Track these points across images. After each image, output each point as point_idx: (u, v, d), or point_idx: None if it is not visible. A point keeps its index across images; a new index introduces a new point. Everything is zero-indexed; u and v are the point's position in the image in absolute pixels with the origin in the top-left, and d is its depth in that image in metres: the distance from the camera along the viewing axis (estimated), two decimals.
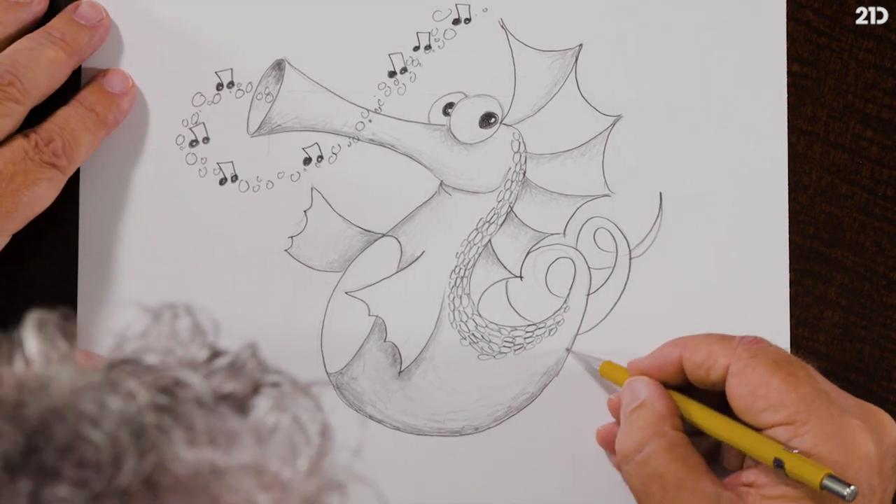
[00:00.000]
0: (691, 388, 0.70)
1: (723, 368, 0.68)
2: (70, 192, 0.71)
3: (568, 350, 0.74)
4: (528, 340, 0.74)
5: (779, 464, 0.64)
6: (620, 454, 0.69)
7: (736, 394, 0.67)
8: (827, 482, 0.62)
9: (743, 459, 0.69)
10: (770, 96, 0.75)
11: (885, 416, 0.68)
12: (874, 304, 0.76)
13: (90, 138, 0.70)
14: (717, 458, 0.72)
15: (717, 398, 0.69)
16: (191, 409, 0.43)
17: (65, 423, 0.41)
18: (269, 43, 0.73)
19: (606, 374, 0.72)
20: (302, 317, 0.73)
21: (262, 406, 0.45)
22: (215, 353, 0.46)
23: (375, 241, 0.74)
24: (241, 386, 0.45)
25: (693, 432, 0.70)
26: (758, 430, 0.66)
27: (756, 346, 0.68)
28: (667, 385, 0.70)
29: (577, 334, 0.74)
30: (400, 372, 0.74)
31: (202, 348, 0.46)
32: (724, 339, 0.69)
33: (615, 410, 0.72)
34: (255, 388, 0.45)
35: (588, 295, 0.75)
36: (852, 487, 0.62)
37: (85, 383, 0.43)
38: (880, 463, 0.65)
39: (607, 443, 0.73)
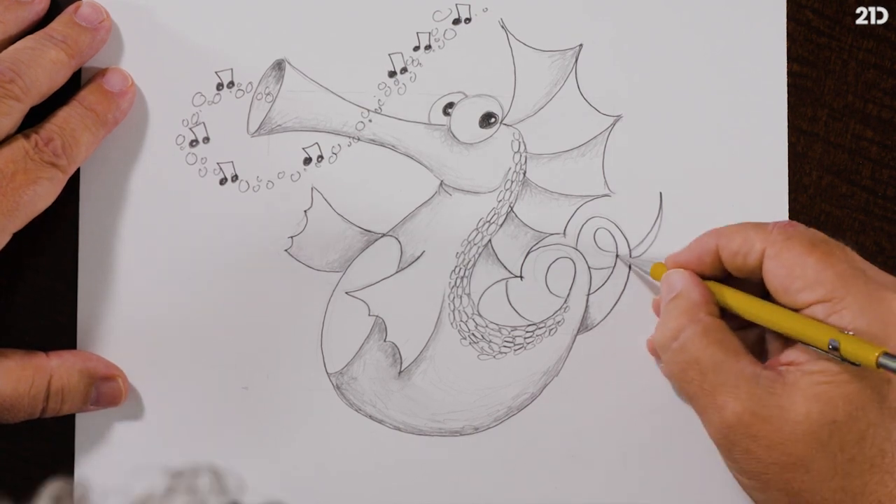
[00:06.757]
0: (732, 280, 0.71)
1: (759, 253, 0.68)
2: (70, 192, 0.71)
3: (618, 256, 0.74)
4: (528, 340, 0.74)
5: (834, 345, 0.63)
6: (658, 345, 0.70)
7: (773, 276, 0.67)
8: (883, 360, 0.62)
9: (785, 349, 0.69)
10: (770, 96, 0.75)
11: None
12: None
13: (90, 137, 0.70)
14: (762, 351, 0.71)
15: (757, 291, 0.69)
16: None
17: None
18: (269, 43, 0.73)
19: (656, 276, 0.73)
20: (302, 317, 0.73)
21: None
22: None
23: (375, 241, 0.74)
24: None
25: (738, 326, 0.70)
26: (796, 310, 0.67)
27: (791, 228, 0.68)
28: (706, 277, 0.71)
29: (576, 334, 0.74)
30: (400, 372, 0.74)
31: None
32: (760, 226, 0.69)
33: (658, 309, 0.73)
34: None
35: (588, 295, 0.75)
36: None
37: None
38: None
39: (656, 352, 0.73)
